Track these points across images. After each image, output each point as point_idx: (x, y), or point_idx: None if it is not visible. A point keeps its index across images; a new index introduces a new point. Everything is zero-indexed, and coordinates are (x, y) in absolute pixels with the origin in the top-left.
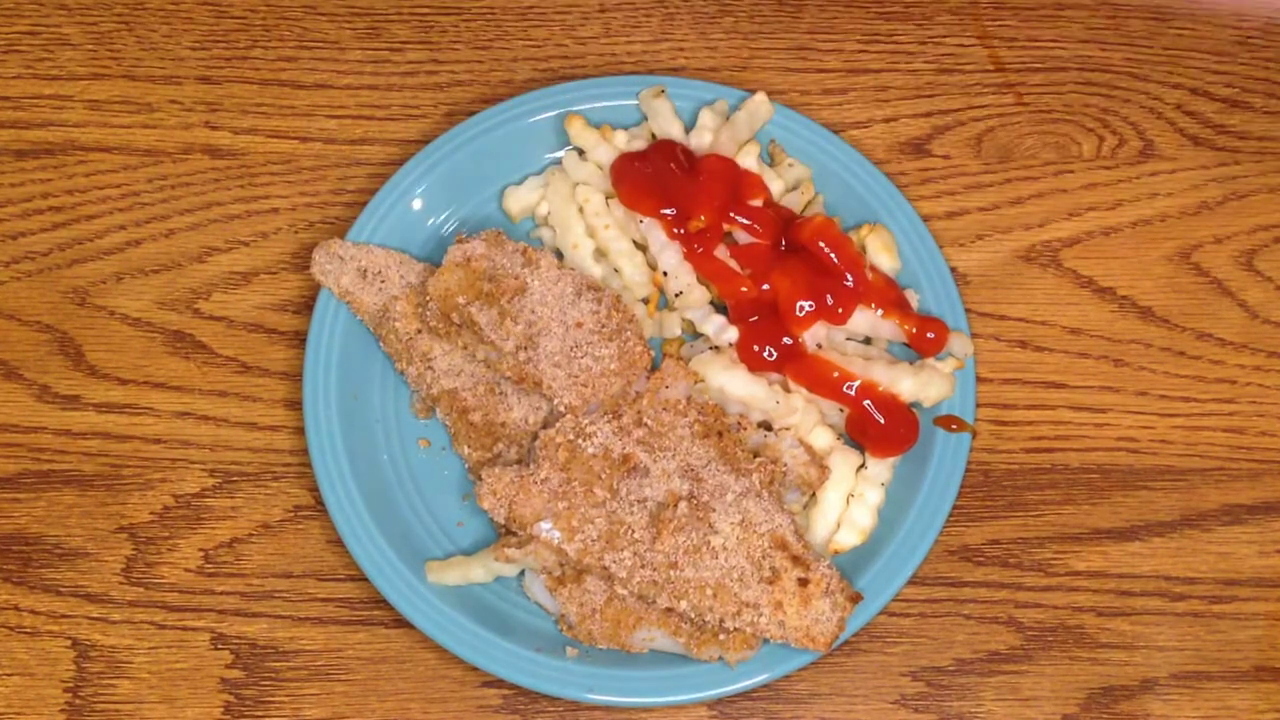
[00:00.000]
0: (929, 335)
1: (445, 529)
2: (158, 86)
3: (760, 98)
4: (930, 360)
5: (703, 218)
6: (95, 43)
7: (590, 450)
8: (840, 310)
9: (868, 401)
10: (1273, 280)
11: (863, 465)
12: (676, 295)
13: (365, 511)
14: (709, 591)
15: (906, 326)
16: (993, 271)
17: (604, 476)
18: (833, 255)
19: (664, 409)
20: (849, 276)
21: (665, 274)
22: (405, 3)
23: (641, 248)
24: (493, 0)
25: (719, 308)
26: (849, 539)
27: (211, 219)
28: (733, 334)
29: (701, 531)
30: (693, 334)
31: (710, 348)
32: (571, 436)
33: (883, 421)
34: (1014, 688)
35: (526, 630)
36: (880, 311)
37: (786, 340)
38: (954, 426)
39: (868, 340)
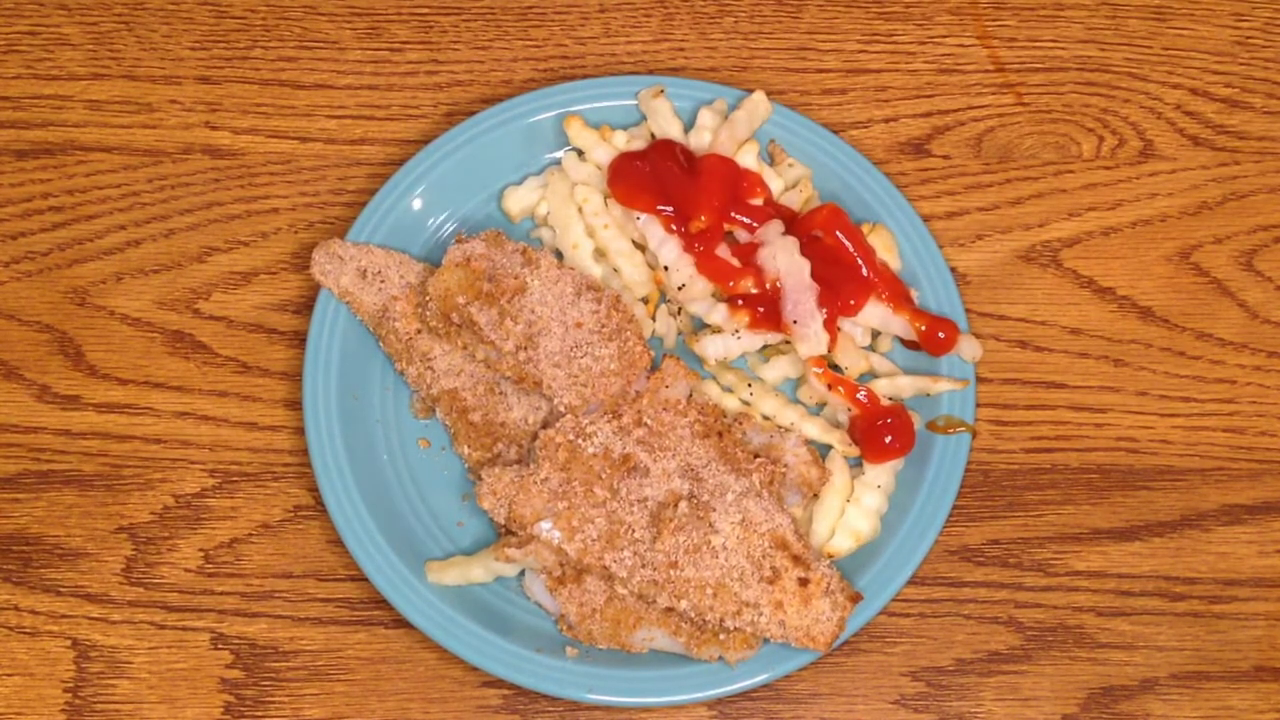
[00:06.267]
0: (940, 335)
1: (445, 529)
2: (158, 86)
3: (759, 96)
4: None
5: (703, 218)
6: (95, 43)
7: (590, 450)
8: (853, 302)
9: (862, 394)
10: (1273, 280)
11: (861, 470)
12: (679, 289)
13: (365, 511)
14: (709, 591)
15: (918, 324)
16: (993, 271)
17: (604, 476)
18: (847, 243)
19: (664, 409)
20: (862, 264)
21: (666, 268)
22: (405, 3)
23: (640, 247)
24: (493, 0)
25: None
26: (848, 544)
27: (211, 219)
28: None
29: (702, 531)
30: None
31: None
32: (571, 436)
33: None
34: (1014, 688)
35: (526, 630)
36: (891, 307)
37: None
38: (949, 431)
39: (874, 335)
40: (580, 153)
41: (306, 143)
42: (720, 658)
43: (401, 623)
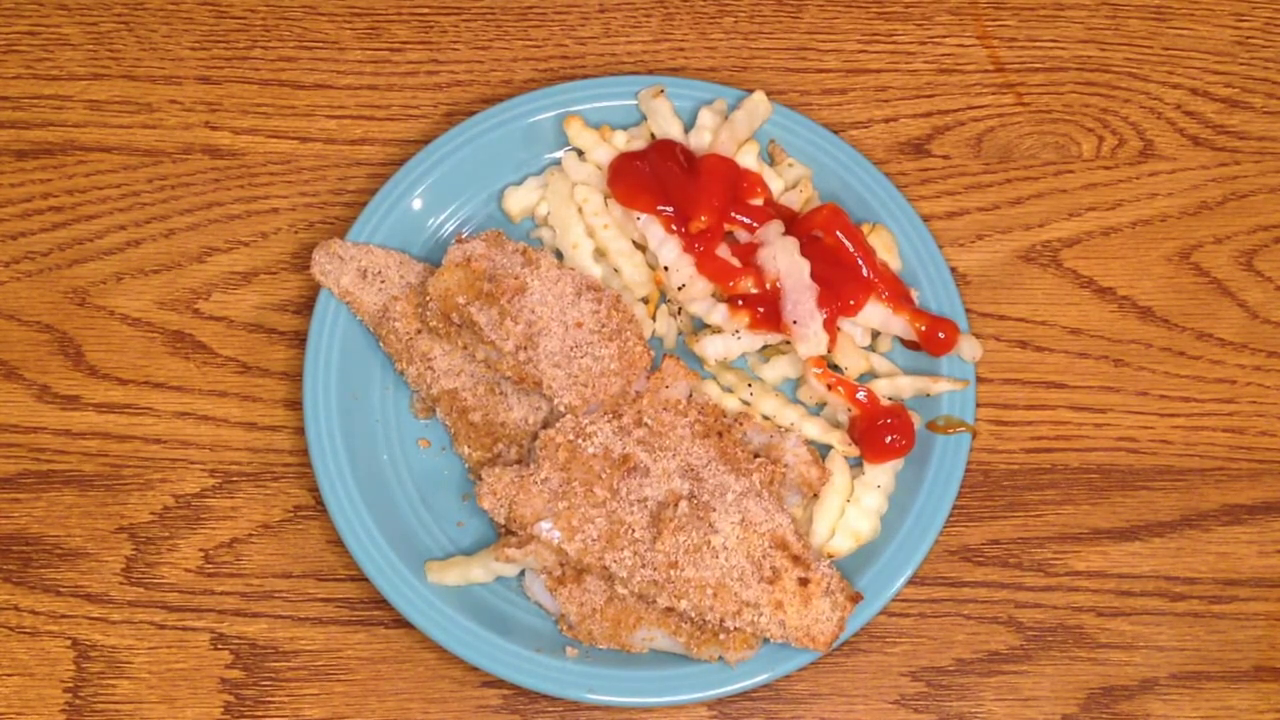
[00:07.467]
0: (940, 335)
1: (445, 529)
2: (158, 86)
3: (759, 96)
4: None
5: (703, 218)
6: (95, 43)
7: (590, 450)
8: (853, 302)
9: (862, 394)
10: (1273, 280)
11: (861, 470)
12: (679, 289)
13: (365, 511)
14: (709, 591)
15: (918, 324)
16: (993, 271)
17: (604, 476)
18: (848, 243)
19: (664, 409)
20: (862, 264)
21: (666, 268)
22: (405, 3)
23: (640, 247)
24: (493, 0)
25: None
26: (848, 544)
27: (211, 219)
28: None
29: (702, 531)
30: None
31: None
32: (571, 436)
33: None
34: (1014, 688)
35: (526, 630)
36: (891, 307)
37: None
38: (949, 431)
39: (874, 335)
40: (580, 153)
41: (306, 143)
42: (720, 658)
43: (401, 623)
